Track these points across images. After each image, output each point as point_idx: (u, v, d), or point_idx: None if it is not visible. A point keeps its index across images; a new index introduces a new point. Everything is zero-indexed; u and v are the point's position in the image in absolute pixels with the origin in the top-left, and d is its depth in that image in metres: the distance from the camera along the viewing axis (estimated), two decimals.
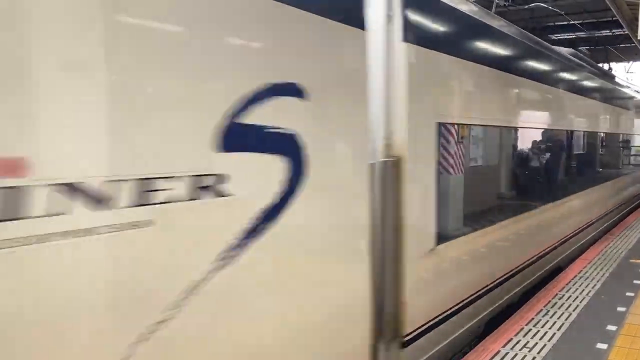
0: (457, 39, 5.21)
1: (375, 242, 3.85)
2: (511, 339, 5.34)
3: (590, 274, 7.75)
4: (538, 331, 5.52)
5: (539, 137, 7.94)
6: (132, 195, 2.23)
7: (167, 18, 2.42)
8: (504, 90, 6.33)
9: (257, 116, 2.79)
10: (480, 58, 5.60)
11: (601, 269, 8.03)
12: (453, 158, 5.20)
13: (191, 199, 2.48)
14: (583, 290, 6.98)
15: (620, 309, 6.20)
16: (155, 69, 2.35)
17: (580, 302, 6.48)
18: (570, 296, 6.71)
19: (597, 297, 6.68)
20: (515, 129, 6.89)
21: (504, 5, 15.20)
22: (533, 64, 7.38)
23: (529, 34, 7.62)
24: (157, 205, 2.33)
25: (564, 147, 8.94)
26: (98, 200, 2.12)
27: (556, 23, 18.25)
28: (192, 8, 2.50)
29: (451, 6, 4.99)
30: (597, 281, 7.38)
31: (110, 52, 2.17)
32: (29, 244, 1.90)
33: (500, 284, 6.17)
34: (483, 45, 5.87)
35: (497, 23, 6.32)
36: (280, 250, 3.05)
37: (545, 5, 15.34)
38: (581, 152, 10.01)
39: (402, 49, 4.02)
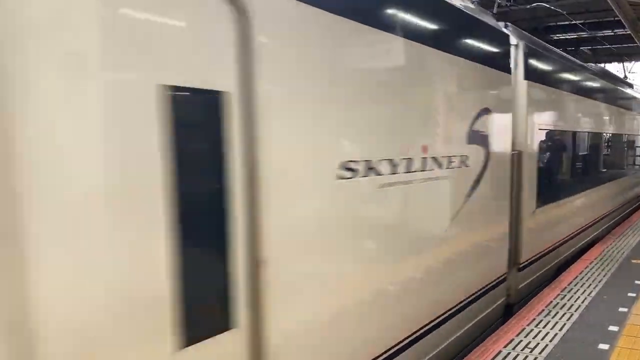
0: (550, 75, 8.07)
1: (510, 202, 6.46)
2: (512, 339, 5.33)
3: (592, 274, 7.74)
4: (540, 331, 5.52)
5: (595, 138, 11.06)
6: (448, 164, 4.84)
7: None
8: (575, 106, 9.38)
9: (477, 125, 5.37)
10: (560, 85, 8.53)
11: (603, 269, 8.02)
12: (545, 152, 7.85)
13: (458, 167, 5.06)
14: (585, 290, 6.97)
15: (622, 309, 6.19)
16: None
17: (582, 302, 6.47)
18: (571, 296, 6.70)
19: (599, 297, 6.67)
20: (582, 132, 9.93)
21: (506, 5, 15.18)
22: (594, 88, 10.55)
23: (590, 65, 11.56)
24: (450, 169, 4.92)
25: (608, 145, 12.42)
26: (440, 165, 4.71)
27: (558, 23, 18.20)
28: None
29: (548, 55, 7.98)
30: (599, 281, 7.37)
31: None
32: (425, 181, 4.48)
33: (570, 239, 9.11)
34: (564, 77, 8.91)
35: (572, 60, 9.67)
36: (479, 201, 5.50)
37: (547, 5, 15.30)
38: (615, 149, 13.39)
39: (524, 84, 6.79)
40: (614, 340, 5.27)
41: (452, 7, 5.15)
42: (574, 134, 9.39)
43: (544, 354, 4.97)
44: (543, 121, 7.53)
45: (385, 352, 4.11)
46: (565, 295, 6.76)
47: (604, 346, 5.13)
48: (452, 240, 5.12)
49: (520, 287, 6.92)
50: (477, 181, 5.45)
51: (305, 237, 3.27)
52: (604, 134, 11.75)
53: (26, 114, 1.91)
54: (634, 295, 6.72)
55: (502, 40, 6.18)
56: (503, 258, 6.38)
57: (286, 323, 3.03)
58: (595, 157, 11.08)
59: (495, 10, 10.92)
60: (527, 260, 7.06)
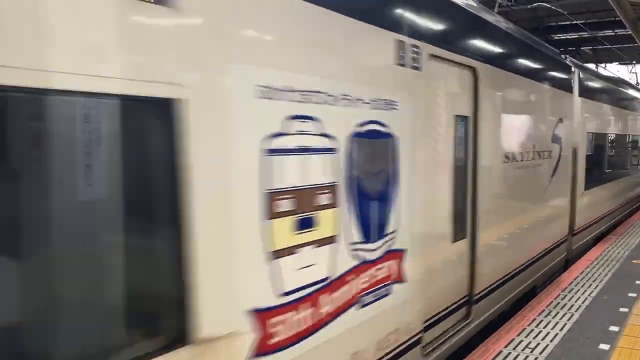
0: (594, 91, 10.85)
1: (571, 185, 9.06)
2: (513, 339, 5.34)
3: (592, 275, 7.75)
4: (540, 332, 5.52)
5: (624, 139, 14.30)
6: (543, 155, 7.28)
7: None
8: (610, 114, 12.42)
9: (556, 130, 7.85)
10: (604, 99, 11.65)
11: (603, 270, 8.02)
12: (589, 149, 10.46)
13: (547, 158, 7.49)
14: (585, 290, 6.97)
15: (622, 309, 6.19)
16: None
17: (583, 302, 6.47)
18: (572, 297, 6.70)
19: (600, 297, 6.68)
20: (614, 134, 13.00)
21: (507, 5, 15.17)
22: (623, 99, 13.72)
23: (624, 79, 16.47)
24: (544, 159, 7.37)
25: (635, 145, 15.84)
26: (540, 156, 7.18)
27: (559, 23, 18.19)
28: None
29: (592, 77, 11.04)
30: (600, 282, 7.37)
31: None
32: (533, 167, 7.03)
33: (609, 214, 12.36)
34: (603, 92, 11.73)
35: (613, 79, 13.99)
36: (556, 182, 7.96)
37: (548, 5, 15.30)
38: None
39: (578, 100, 9.43)
40: (615, 341, 5.28)
41: (558, 61, 8.42)
42: (609, 135, 12.59)
43: (545, 354, 4.97)
44: (589, 126, 10.41)
45: (518, 268, 6.70)
46: (566, 295, 6.77)
47: (604, 346, 5.14)
48: (545, 206, 7.75)
49: (574, 248, 9.63)
50: (555, 168, 7.94)
51: (490, 193, 5.82)
52: (631, 136, 15.02)
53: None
54: (634, 295, 6.72)
55: (568, 70, 8.94)
56: (566, 224, 9.03)
57: (483, 239, 5.64)
58: (624, 154, 14.39)
59: (496, 10, 10.91)
60: (578, 229, 9.82)
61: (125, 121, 2.32)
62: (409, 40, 4.19)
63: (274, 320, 3.02)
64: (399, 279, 4.18)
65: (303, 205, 3.18)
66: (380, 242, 3.92)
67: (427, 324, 4.61)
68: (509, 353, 5.01)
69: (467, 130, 5.29)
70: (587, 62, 18.44)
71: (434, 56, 4.54)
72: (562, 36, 19.53)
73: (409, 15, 4.32)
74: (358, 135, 3.65)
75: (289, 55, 3.10)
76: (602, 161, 11.90)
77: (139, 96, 2.31)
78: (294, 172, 3.11)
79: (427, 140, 4.52)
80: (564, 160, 8.30)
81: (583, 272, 7.91)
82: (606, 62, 23.77)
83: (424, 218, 4.47)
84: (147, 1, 2.31)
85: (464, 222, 5.33)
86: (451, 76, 5.01)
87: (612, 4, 10.55)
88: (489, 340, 5.36)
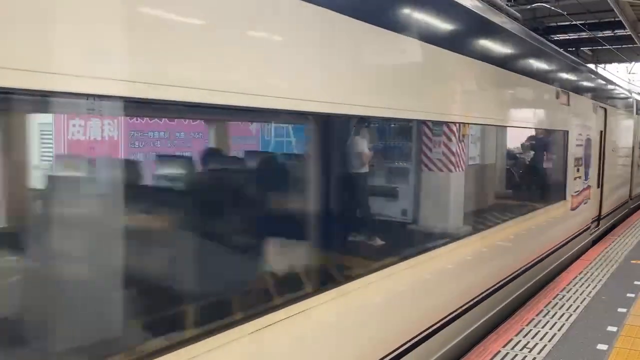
0: None
1: (631, 166, 16.76)
2: (511, 339, 5.35)
3: (591, 275, 7.76)
4: (538, 332, 5.53)
5: None
6: (628, 149, 16.36)
7: None
8: None
9: (628, 135, 16.63)
10: None
11: (602, 270, 8.04)
12: None
13: (628, 150, 16.27)
14: (584, 291, 6.98)
15: (620, 310, 6.20)
16: None
17: (581, 302, 6.49)
18: (570, 297, 6.72)
19: (598, 298, 6.69)
20: None
21: (507, 5, 15.18)
22: None
23: None
24: (626, 151, 16.07)
25: None
26: (627, 149, 16.29)
27: (558, 23, 18.21)
28: None
29: None
30: (598, 282, 7.39)
31: None
32: (622, 154, 15.49)
33: None
34: None
35: None
36: (630, 163, 16.83)
37: (548, 6, 15.33)
38: None
39: (637, 117, 17.15)
40: (613, 341, 5.29)
41: (631, 97, 15.96)
42: None
43: (543, 354, 4.99)
44: None
45: (613, 209, 13.44)
46: (565, 295, 6.78)
47: (602, 346, 5.15)
48: (624, 178, 14.89)
49: (631, 207, 15.85)
50: (626, 157, 14.84)
51: (607, 166, 12.14)
52: None
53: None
54: (632, 295, 6.74)
55: (632, 99, 15.83)
56: (627, 191, 15.34)
57: (604, 189, 12.11)
58: None
59: None
60: (633, 196, 16.11)
61: (552, 139, 8.69)
62: (595, 102, 10.74)
63: (573, 199, 9.36)
64: (588, 198, 10.34)
65: (577, 164, 9.44)
66: (587, 180, 10.13)
67: (590, 221, 10.72)
68: (507, 353, 5.03)
69: (602, 136, 11.42)
70: (587, 63, 18.46)
71: (598, 106, 10.89)
72: (562, 36, 19.54)
73: (593, 90, 10.88)
74: (585, 139, 9.88)
75: (590, 120, 10.68)
76: None
77: (560, 130, 8.85)
78: (578, 151, 9.49)
79: (595, 141, 10.67)
80: (630, 152, 15.41)
81: (582, 272, 7.93)
82: (605, 62, 23.78)
83: (593, 173, 10.52)
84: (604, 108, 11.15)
85: (599, 178, 11.24)
86: (599, 113, 11.14)
87: (611, 4, 10.57)
88: (487, 340, 5.38)
